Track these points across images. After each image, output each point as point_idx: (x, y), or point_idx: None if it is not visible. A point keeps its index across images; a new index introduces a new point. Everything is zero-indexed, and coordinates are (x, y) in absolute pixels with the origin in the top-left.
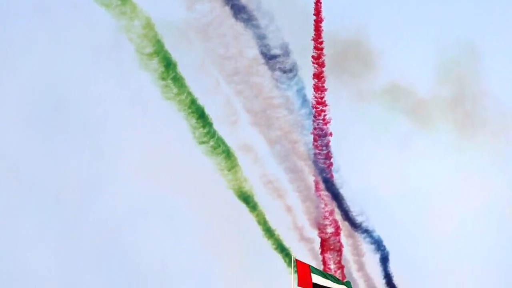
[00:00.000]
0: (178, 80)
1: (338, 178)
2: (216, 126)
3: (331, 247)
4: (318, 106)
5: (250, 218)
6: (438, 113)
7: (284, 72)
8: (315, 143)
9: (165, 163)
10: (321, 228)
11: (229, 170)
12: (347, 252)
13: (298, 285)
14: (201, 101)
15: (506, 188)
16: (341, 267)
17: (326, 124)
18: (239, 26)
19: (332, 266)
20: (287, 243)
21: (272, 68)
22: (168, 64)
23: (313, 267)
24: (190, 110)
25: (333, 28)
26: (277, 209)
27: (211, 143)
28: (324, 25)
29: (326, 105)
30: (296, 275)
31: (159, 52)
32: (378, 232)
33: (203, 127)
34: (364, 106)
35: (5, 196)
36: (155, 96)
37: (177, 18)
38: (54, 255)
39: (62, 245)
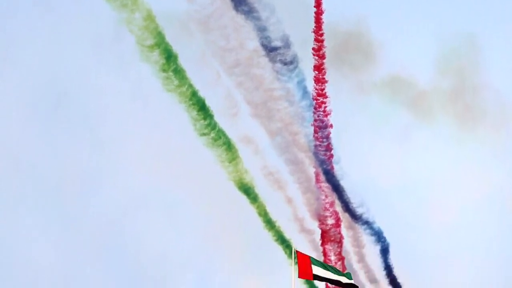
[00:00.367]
0: (179, 72)
1: (338, 170)
2: (217, 118)
3: (332, 239)
4: (318, 98)
5: (250, 210)
6: (439, 105)
7: (285, 64)
8: (316, 135)
9: (166, 155)
10: (321, 220)
11: (230, 162)
12: (347, 243)
13: (299, 277)
14: (202, 93)
15: (506, 179)
16: (341, 258)
17: (326, 116)
18: (239, 18)
19: (333, 258)
20: (287, 235)
21: (272, 60)
22: (169, 56)
23: (314, 259)
24: (191, 102)
25: (334, 20)
26: (278, 200)
27: (212, 135)
28: (324, 17)
29: (326, 97)
30: (296, 267)
31: (160, 44)
32: (379, 223)
33: (204, 119)
34: (365, 98)
35: (6, 189)
36: (156, 88)
37: (178, 10)
38: (54, 248)
39: (62, 238)
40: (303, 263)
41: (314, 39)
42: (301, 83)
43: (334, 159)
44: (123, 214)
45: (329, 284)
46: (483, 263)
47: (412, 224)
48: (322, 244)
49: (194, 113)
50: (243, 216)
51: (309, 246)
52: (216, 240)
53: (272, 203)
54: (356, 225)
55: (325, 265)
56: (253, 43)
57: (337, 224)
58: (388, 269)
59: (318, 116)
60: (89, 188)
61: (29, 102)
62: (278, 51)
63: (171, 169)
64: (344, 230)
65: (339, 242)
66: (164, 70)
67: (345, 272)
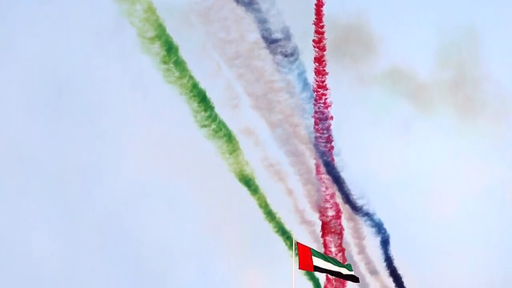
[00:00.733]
0: (179, 64)
1: (339, 162)
2: (217, 109)
3: (332, 230)
4: (319, 89)
5: (251, 201)
6: (439, 97)
7: (285, 56)
8: (316, 127)
9: (167, 146)
10: (322, 211)
11: (230, 154)
12: (348, 235)
13: (299, 268)
14: (202, 85)
15: (506, 171)
16: (342, 250)
17: (327, 107)
18: (240, 10)
19: (333, 249)
20: (288, 226)
21: (273, 52)
22: (170, 48)
23: (314, 250)
24: (191, 94)
25: (334, 12)
26: (278, 192)
27: (213, 126)
28: (325, 9)
29: (327, 89)
30: (297, 258)
31: (160, 36)
32: (379, 215)
33: (205, 110)
34: (365, 90)
35: (6, 181)
36: (157, 80)
37: (178, 2)
38: (55, 240)
39: (63, 230)
40: (304, 255)
41: (315, 31)
42: (301, 75)
43: (334, 151)
44: (124, 205)
45: (329, 276)
46: (483, 255)
47: (413, 215)
48: (323, 236)
49: (195, 104)
50: (243, 208)
51: (309, 238)
52: (216, 232)
53: (272, 195)
54: (357, 216)
55: (325, 257)
56: (254, 35)
57: (338, 215)
58: (388, 261)
59: (319, 108)
60: (90, 180)
61: (30, 93)
62: (278, 43)
63: (171, 161)
64: (344, 222)
65: (340, 234)
66: (164, 62)
67: (346, 263)
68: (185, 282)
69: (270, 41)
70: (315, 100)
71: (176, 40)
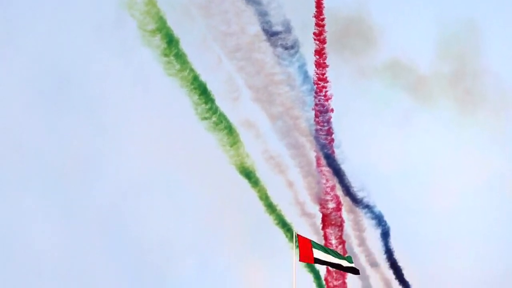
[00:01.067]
0: (180, 57)
1: (339, 154)
2: (218, 102)
3: (332, 222)
4: (319, 82)
5: (251, 194)
6: (439, 89)
7: (286, 48)
8: (317, 119)
9: (168, 139)
10: (322, 204)
11: (231, 146)
12: (348, 227)
13: (300, 260)
14: (203, 77)
15: (506, 164)
16: (342, 242)
17: (327, 100)
18: (240, 3)
19: (333, 241)
20: (288, 219)
21: (273, 45)
22: (171, 41)
23: (315, 242)
24: (192, 86)
25: (335, 5)
26: (279, 184)
27: (213, 119)
28: (325, 1)
29: (327, 82)
30: (297, 250)
31: (161, 29)
32: (379, 207)
33: (205, 103)
34: (365, 82)
35: (8, 174)
36: (158, 73)
37: None
38: (56, 232)
39: (64, 222)
40: (304, 247)
41: (315, 23)
42: (302, 68)
43: (335, 143)
44: (124, 198)
45: (330, 268)
46: (483, 247)
47: (413, 208)
48: (323, 228)
49: (196, 97)
50: (244, 200)
51: (310, 230)
52: (217, 224)
53: (273, 187)
54: (357, 209)
55: (326, 249)
56: (254, 27)
57: (338, 208)
58: (389, 253)
59: (319, 101)
60: (91, 173)
61: (31, 87)
62: (279, 36)
63: (172, 153)
64: (344, 214)
65: (340, 226)
66: (165, 55)
67: (346, 255)
68: (186, 275)
69: (271, 34)
70: (316, 92)
71: (177, 32)
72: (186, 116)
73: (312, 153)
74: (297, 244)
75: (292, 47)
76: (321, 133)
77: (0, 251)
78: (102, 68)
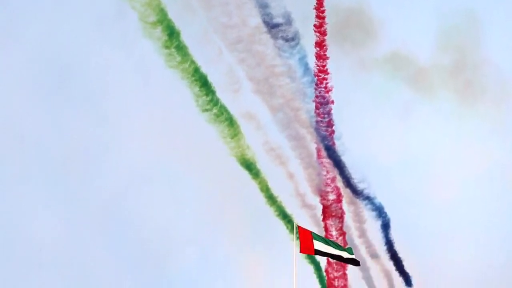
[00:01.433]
0: (181, 49)
1: (339, 146)
2: (219, 94)
3: (333, 214)
4: (320, 74)
5: (252, 185)
6: (439, 81)
7: (287, 40)
8: (317, 111)
9: (168, 131)
10: (323, 195)
11: (231, 138)
12: (348, 218)
13: (300, 252)
14: (204, 69)
15: (507, 155)
16: (342, 233)
17: (328, 92)
18: None
19: (334, 233)
20: (289, 210)
21: (274, 37)
22: (172, 33)
23: (315, 234)
24: (193, 78)
25: None
26: (279, 176)
27: (214, 110)
28: None
29: (328, 73)
30: (298, 242)
31: (162, 21)
32: (379, 199)
33: (206, 95)
34: (366, 74)
35: (9, 164)
36: (159, 65)
37: None
38: (58, 223)
39: (65, 213)
40: (305, 238)
41: (316, 15)
42: (302, 60)
43: (335, 135)
44: (126, 188)
45: (330, 259)
46: (483, 238)
47: (413, 199)
48: (324, 219)
49: (196, 89)
50: (245, 192)
51: (310, 221)
52: (218, 215)
53: (273, 179)
54: (357, 200)
55: (326, 240)
56: (255, 19)
57: (338, 199)
58: (389, 244)
59: (320, 92)
60: (92, 164)
61: (32, 79)
62: (279, 28)
63: (173, 145)
64: (345, 206)
65: (340, 218)
66: (166, 47)
67: (346, 247)
68: (186, 265)
69: (272, 26)
70: (316, 84)
71: (178, 25)
72: (187, 108)
73: (312, 144)
74: (297, 235)
75: (292, 39)
76: (321, 124)
77: (1, 243)
78: (103, 60)
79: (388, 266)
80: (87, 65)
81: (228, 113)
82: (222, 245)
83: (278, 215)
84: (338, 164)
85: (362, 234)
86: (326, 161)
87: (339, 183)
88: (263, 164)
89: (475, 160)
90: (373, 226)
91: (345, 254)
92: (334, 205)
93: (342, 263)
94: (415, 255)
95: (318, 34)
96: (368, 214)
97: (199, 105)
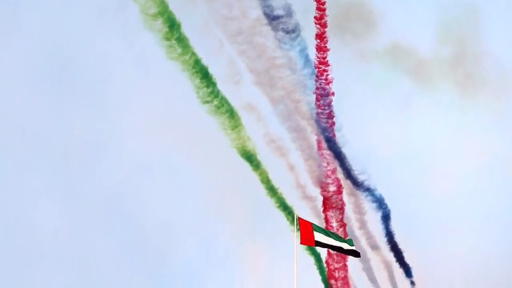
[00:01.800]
0: (182, 41)
1: (340, 137)
2: (219, 85)
3: (333, 205)
4: (320, 66)
5: (253, 177)
6: (439, 73)
7: (287, 32)
8: (318, 103)
9: (169, 122)
10: (323, 187)
11: (232, 129)
12: (349, 210)
13: (301, 243)
14: (204, 61)
15: (507, 147)
16: (343, 225)
17: (328, 83)
18: None
19: (334, 224)
20: (289, 201)
21: (275, 29)
22: (172, 25)
23: (316, 225)
24: (194, 70)
25: None
26: (280, 167)
27: (215, 102)
28: None
29: (328, 65)
30: (298, 233)
31: (163, 13)
32: (380, 190)
33: (207, 86)
34: (366, 66)
35: (10, 155)
36: (160, 56)
37: None
38: (59, 214)
39: (67, 204)
40: (305, 230)
41: (316, 7)
42: (303, 52)
43: (335, 127)
44: (126, 180)
45: (331, 251)
46: (483, 230)
47: (413, 191)
48: (324, 211)
49: (197, 81)
50: (245, 183)
51: (311, 213)
52: (218, 207)
53: (274, 170)
54: (358, 192)
55: (327, 232)
56: (256, 11)
57: (339, 191)
58: (389, 236)
59: (320, 84)
60: (93, 155)
61: (34, 69)
62: (280, 20)
63: (174, 136)
64: (345, 197)
65: (341, 209)
66: (167, 39)
67: (347, 238)
68: (187, 257)
69: (272, 18)
70: (317, 76)
71: (179, 16)
72: (187, 100)
73: (313, 136)
74: (298, 227)
75: (293, 31)
76: (322, 116)
77: (3, 233)
78: (104, 52)
79: (388, 258)
80: (88, 57)
81: (229, 104)
82: (223, 236)
83: (279, 206)
84: (339, 155)
85: (363, 225)
86: (327, 152)
87: (340, 174)
88: (264, 155)
89: (475, 152)
90: (374, 218)
91: (345, 246)
92: (334, 196)
93: (342, 254)
94: (415, 247)
95: (318, 26)
96: (369, 206)
97: (199, 97)
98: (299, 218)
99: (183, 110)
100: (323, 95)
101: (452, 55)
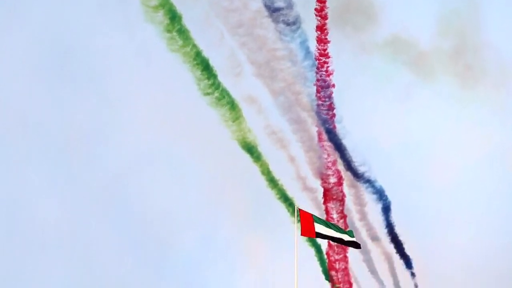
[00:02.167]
0: (183, 33)
1: (340, 129)
2: (220, 77)
3: (334, 197)
4: (321, 58)
5: (254, 168)
6: (440, 64)
7: (288, 24)
8: (318, 94)
9: (171, 114)
10: (324, 178)
11: (233, 121)
12: (349, 201)
13: (301, 235)
14: (205, 53)
15: (507, 138)
16: (343, 216)
17: (328, 75)
18: None
19: (335, 216)
20: (290, 193)
21: (275, 21)
22: (173, 17)
23: (316, 217)
24: (195, 62)
25: None
26: (281, 159)
27: (216, 94)
28: None
29: (329, 57)
30: (299, 225)
31: (164, 5)
32: (380, 182)
33: (208, 78)
34: (366, 58)
35: (12, 146)
36: (161, 48)
37: None
38: (60, 204)
39: (68, 195)
40: (306, 221)
41: None
42: (303, 43)
43: (336, 118)
44: (128, 171)
45: (331, 242)
46: (483, 221)
47: (413, 182)
48: (325, 202)
49: (198, 73)
50: (246, 175)
51: (311, 204)
52: (219, 198)
53: (275, 162)
54: (358, 183)
55: (327, 223)
56: (256, 3)
57: (339, 182)
58: (390, 227)
59: (321, 76)
60: (94, 146)
61: (35, 60)
62: (281, 12)
63: (175, 128)
64: (346, 189)
65: (341, 200)
66: (168, 31)
67: (347, 230)
68: (188, 248)
69: (273, 10)
70: (317, 68)
71: (180, 8)
72: (188, 92)
73: (313, 128)
74: (298, 218)
75: (294, 23)
76: (322, 108)
77: (4, 222)
78: (106, 43)
79: (388, 249)
80: (90, 49)
81: (230, 96)
82: (224, 228)
83: (279, 198)
84: (339, 147)
85: (363, 217)
86: (327, 144)
87: (340, 166)
88: (264, 147)
89: (475, 143)
90: (374, 209)
91: (346, 237)
92: (335, 188)
93: (343, 245)
94: (416, 238)
95: (319, 18)
96: (369, 197)
97: (200, 89)
98: (299, 210)
99: (184, 102)
100: (324, 87)
101: (452, 47)
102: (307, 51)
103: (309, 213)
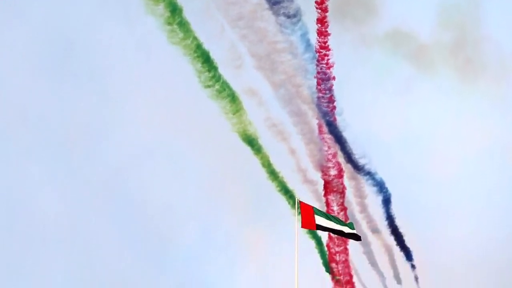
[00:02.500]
0: (183, 25)
1: (341, 121)
2: (221, 70)
3: (334, 189)
4: (321, 50)
5: (254, 161)
6: (440, 58)
7: (288, 17)
8: (319, 87)
9: (171, 106)
10: (324, 171)
11: (234, 114)
12: (349, 194)
13: (302, 227)
14: (206, 46)
15: (507, 131)
16: (344, 208)
17: (329, 68)
18: None
19: (335, 208)
20: (291, 185)
21: (276, 13)
22: (174, 9)
23: (317, 209)
24: (195, 55)
25: None
26: (281, 151)
27: (216, 87)
28: None
29: (329, 50)
30: (299, 217)
31: None
32: (380, 174)
33: (208, 71)
34: (367, 50)
35: (13, 140)
36: (161, 41)
37: None
38: (60, 198)
39: (69, 189)
40: (306, 213)
41: None
42: (304, 36)
43: (336, 111)
44: (128, 165)
45: (331, 234)
46: (483, 214)
47: (414, 175)
48: (325, 195)
49: (199, 65)
50: (246, 167)
51: (312, 197)
52: (220, 191)
53: (275, 154)
54: (358, 175)
55: (328, 215)
56: None
57: (340, 174)
58: (390, 219)
59: (321, 69)
60: (95, 140)
61: (36, 54)
62: (281, 4)
63: (176, 121)
64: (346, 181)
65: (342, 193)
66: (169, 23)
67: (348, 222)
68: (188, 241)
69: (273, 2)
70: (318, 60)
71: (180, 1)
72: (189, 84)
73: (314, 120)
74: (299, 210)
75: (294, 16)
76: (323, 100)
77: (4, 217)
78: (106, 35)
79: (389, 241)
80: (90, 41)
81: (230, 89)
82: (224, 220)
83: (280, 190)
84: (339, 139)
85: (363, 209)
86: (328, 136)
87: (340, 158)
88: (265, 139)
89: (476, 136)
90: (374, 201)
91: (346, 229)
92: (335, 180)
93: (343, 238)
94: (416, 230)
95: (319, 10)
96: (369, 190)
97: (201, 81)
98: (300, 202)
99: (184, 94)
100: (324, 80)
101: (452, 40)
102: (308, 44)
103: (310, 205)
